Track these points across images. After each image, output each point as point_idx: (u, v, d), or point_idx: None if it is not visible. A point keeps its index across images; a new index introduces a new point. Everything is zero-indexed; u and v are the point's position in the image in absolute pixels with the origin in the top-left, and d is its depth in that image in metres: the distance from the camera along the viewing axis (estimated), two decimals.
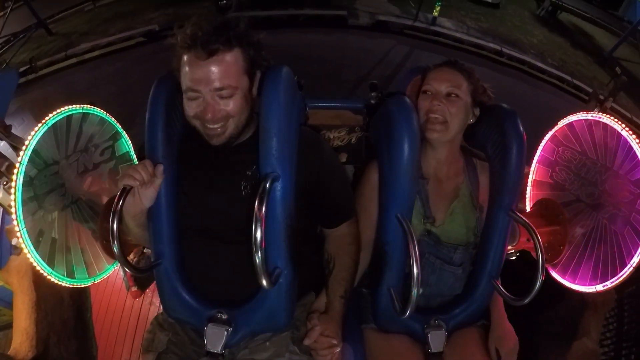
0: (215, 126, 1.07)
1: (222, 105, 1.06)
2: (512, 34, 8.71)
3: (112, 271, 1.41)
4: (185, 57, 1.04)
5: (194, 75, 1.03)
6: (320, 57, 6.44)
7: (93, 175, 1.38)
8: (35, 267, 1.12)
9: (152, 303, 2.27)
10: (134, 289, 2.14)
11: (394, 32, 7.91)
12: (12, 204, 1.08)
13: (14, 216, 1.08)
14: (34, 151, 1.13)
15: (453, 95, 1.26)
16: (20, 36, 6.62)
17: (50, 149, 1.21)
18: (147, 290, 2.24)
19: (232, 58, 1.04)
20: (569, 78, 7.51)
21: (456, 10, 9.10)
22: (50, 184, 1.20)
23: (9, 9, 6.99)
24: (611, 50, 8.17)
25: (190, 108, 1.08)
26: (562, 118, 1.42)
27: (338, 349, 1.21)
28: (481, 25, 8.75)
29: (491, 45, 7.91)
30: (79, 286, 1.27)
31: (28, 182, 1.12)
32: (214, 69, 1.02)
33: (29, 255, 1.11)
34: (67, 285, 1.22)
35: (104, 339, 2.11)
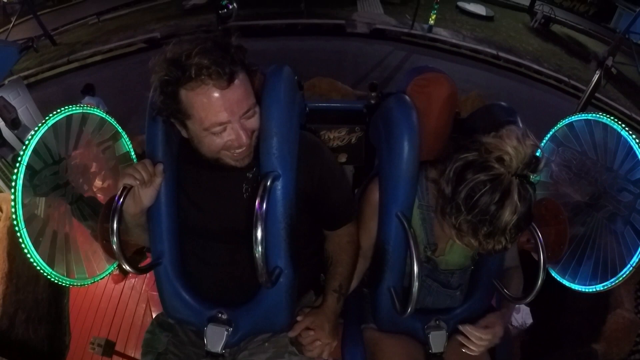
0: (244, 149, 1.05)
1: (249, 125, 1.03)
2: (507, 42, 9.05)
3: None
4: (199, 92, 0.95)
5: (219, 108, 0.96)
6: (321, 60, 6.58)
7: (94, 174, 1.39)
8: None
9: (133, 288, 2.14)
10: (116, 272, 2.00)
11: (391, 39, 8.16)
12: (12, 204, 1.08)
13: (14, 216, 1.08)
14: (35, 151, 1.13)
15: None
16: (28, 44, 6.71)
17: (51, 149, 1.21)
18: (129, 275, 2.11)
19: (243, 76, 1.00)
20: (565, 79, 7.71)
21: (451, 22, 9.45)
22: (50, 183, 1.20)
23: (12, 22, 7.09)
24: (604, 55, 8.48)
25: (217, 143, 1.01)
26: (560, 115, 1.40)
27: (319, 343, 1.17)
28: (477, 35, 8.99)
29: (488, 50, 8.12)
30: (78, 286, 1.27)
31: (29, 181, 1.12)
32: (237, 93, 0.97)
33: (28, 256, 1.11)
34: (67, 286, 1.22)
35: (79, 322, 2.02)
